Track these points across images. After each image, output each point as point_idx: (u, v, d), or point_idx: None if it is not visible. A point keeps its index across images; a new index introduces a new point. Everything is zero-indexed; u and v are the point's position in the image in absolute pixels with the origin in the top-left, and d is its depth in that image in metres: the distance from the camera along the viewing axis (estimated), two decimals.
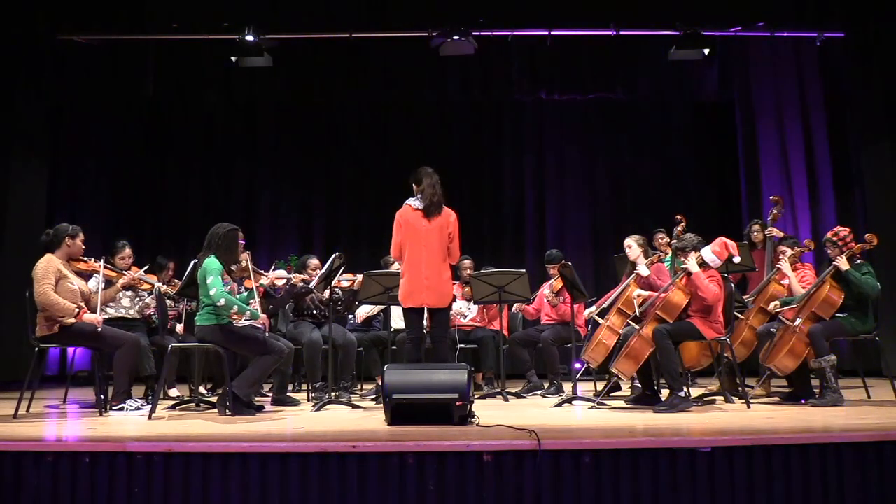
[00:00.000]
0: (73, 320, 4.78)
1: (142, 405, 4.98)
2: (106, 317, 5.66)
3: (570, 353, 5.77)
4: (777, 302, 5.42)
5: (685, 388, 5.02)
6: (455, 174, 8.01)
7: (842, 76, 8.16)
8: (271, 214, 9.01)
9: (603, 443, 3.50)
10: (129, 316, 5.76)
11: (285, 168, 9.08)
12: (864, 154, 7.87)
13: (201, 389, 5.84)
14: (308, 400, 5.73)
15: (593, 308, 5.97)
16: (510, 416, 4.55)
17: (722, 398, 5.38)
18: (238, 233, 4.99)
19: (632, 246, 5.80)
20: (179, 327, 6.07)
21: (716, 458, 3.45)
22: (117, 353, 4.93)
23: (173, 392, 6.12)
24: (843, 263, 5.03)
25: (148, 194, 8.87)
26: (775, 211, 6.13)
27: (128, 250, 5.74)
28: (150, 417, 4.58)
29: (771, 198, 6.28)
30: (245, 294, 5.05)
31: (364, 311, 6.64)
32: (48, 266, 4.80)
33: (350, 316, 6.70)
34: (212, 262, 4.77)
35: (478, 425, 4.06)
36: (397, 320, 6.47)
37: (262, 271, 5.67)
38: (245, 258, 5.32)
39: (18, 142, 7.56)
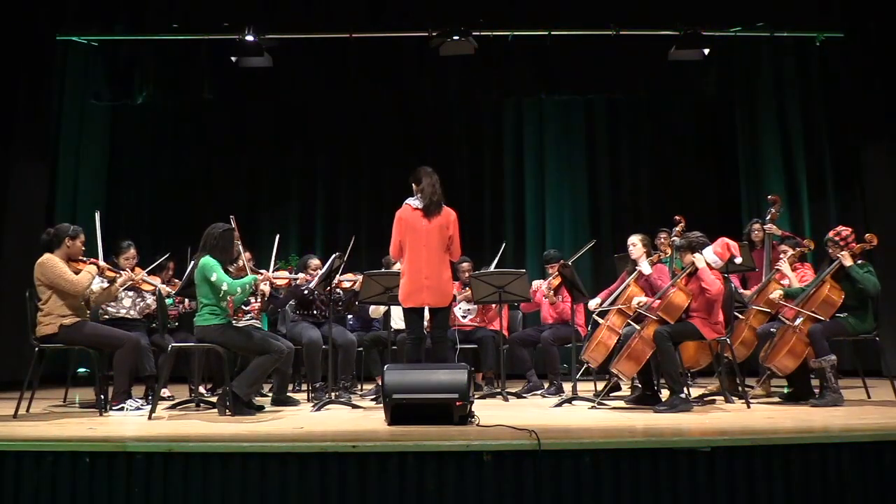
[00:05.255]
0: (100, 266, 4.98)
1: (142, 405, 4.98)
2: (106, 317, 5.67)
3: (570, 353, 5.77)
4: (780, 292, 5.40)
5: (686, 390, 5.02)
6: (455, 174, 8.01)
7: (842, 76, 8.15)
8: (270, 214, 9.01)
9: (603, 443, 3.51)
10: (129, 316, 5.75)
11: (284, 168, 9.08)
12: (864, 154, 7.87)
13: (201, 389, 5.84)
14: (308, 400, 5.73)
15: (598, 299, 5.96)
16: (510, 416, 4.55)
17: (722, 398, 5.38)
18: (233, 233, 4.98)
19: (636, 244, 5.80)
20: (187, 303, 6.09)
21: (716, 458, 3.45)
22: (117, 353, 4.93)
23: (164, 392, 6.09)
24: (847, 259, 5.03)
25: (148, 194, 8.87)
26: (773, 210, 6.12)
27: (132, 251, 5.73)
28: (150, 417, 4.59)
29: (768, 197, 6.27)
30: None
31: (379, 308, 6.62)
32: (54, 262, 4.80)
33: (350, 316, 6.70)
34: (209, 261, 4.77)
35: (478, 425, 4.06)
36: (397, 320, 6.47)
37: (262, 271, 5.67)
38: (243, 259, 5.33)
39: (18, 142, 7.55)
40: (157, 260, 6.05)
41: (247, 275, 5.23)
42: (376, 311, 6.60)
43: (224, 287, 4.68)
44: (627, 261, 5.99)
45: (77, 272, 4.99)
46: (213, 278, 4.69)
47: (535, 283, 6.53)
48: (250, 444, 3.52)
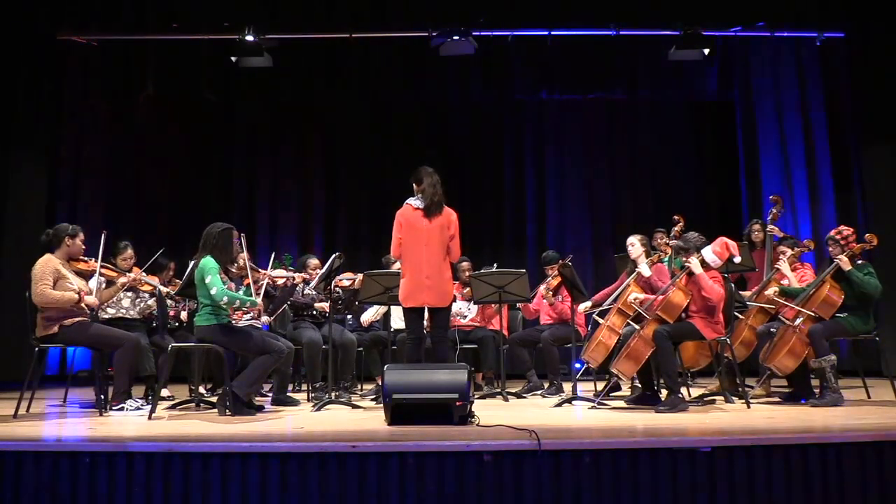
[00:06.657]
0: (85, 302, 4.84)
1: (142, 405, 4.98)
2: (106, 317, 5.67)
3: (570, 353, 5.77)
4: (776, 288, 5.40)
5: (686, 389, 5.02)
6: (455, 174, 8.01)
7: (842, 76, 8.16)
8: (271, 214, 9.01)
9: (603, 443, 3.51)
10: (129, 316, 5.75)
11: (285, 168, 9.08)
12: (865, 154, 7.88)
13: (201, 389, 5.84)
14: (308, 400, 5.73)
15: (588, 303, 5.95)
16: (510, 416, 4.55)
17: (722, 398, 5.38)
18: (233, 232, 4.98)
19: (634, 244, 5.79)
20: (184, 315, 6.08)
21: (716, 458, 3.45)
22: (117, 353, 4.93)
23: (164, 392, 6.08)
24: (844, 262, 5.03)
25: (148, 194, 8.88)
26: (775, 210, 6.13)
27: (130, 251, 5.74)
28: (150, 417, 4.58)
29: (770, 197, 6.29)
30: (243, 290, 5.07)
31: (370, 316, 6.63)
32: (46, 266, 4.80)
33: (349, 316, 6.70)
34: (208, 262, 4.77)
35: (478, 425, 4.06)
36: (397, 320, 6.47)
37: (261, 269, 5.67)
38: (243, 258, 5.33)
39: (18, 142, 7.55)
40: (153, 259, 6.03)
41: (247, 274, 5.23)
42: (367, 321, 6.62)
43: (213, 292, 4.68)
44: (627, 261, 5.99)
45: (77, 272, 4.99)
46: (207, 280, 4.69)
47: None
48: (250, 444, 3.52)
